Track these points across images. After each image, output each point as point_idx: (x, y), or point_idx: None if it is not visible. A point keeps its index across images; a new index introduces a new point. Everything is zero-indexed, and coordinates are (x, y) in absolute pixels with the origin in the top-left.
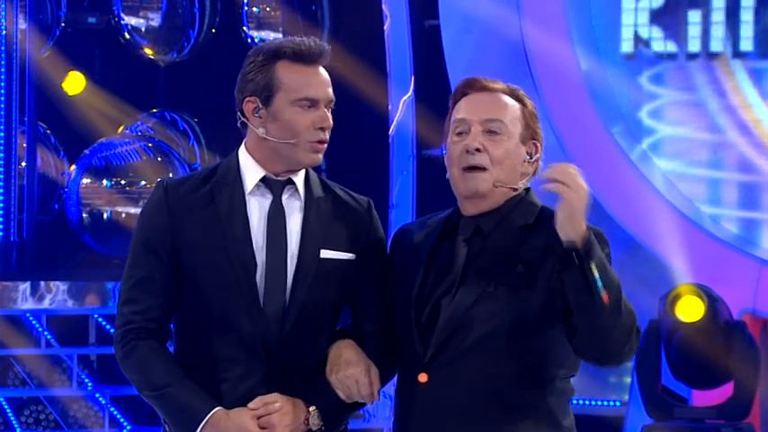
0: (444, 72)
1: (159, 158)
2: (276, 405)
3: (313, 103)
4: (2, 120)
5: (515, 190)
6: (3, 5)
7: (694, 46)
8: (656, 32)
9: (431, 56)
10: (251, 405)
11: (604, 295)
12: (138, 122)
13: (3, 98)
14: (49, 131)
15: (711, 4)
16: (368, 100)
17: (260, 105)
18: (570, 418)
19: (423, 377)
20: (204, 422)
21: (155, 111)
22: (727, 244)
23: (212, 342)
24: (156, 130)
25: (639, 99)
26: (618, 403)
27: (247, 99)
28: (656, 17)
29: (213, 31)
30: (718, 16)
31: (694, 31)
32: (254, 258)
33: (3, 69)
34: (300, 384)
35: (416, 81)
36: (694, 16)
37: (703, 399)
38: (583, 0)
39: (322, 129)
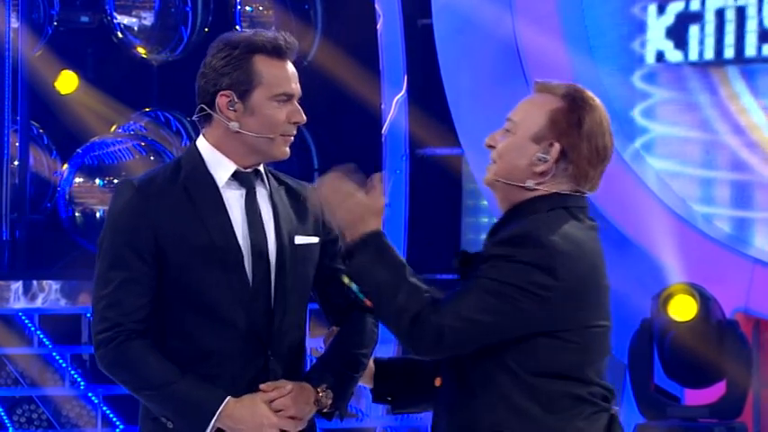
0: (437, 71)
1: (152, 157)
2: (288, 387)
3: (288, 98)
4: None
5: (528, 189)
6: None
7: (691, 53)
8: (650, 37)
9: (424, 55)
10: (263, 387)
11: (367, 302)
12: (131, 122)
13: None
14: (41, 130)
15: (705, 11)
16: (361, 99)
17: (235, 99)
18: (560, 418)
19: (438, 381)
20: (218, 414)
21: (147, 110)
22: (719, 243)
23: (206, 337)
24: (148, 130)
25: (632, 98)
26: None
27: (222, 93)
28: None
29: (206, 30)
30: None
31: (689, 37)
32: (239, 248)
33: None
34: (292, 369)
35: (409, 80)
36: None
37: (696, 398)
38: (576, 0)
39: (296, 123)
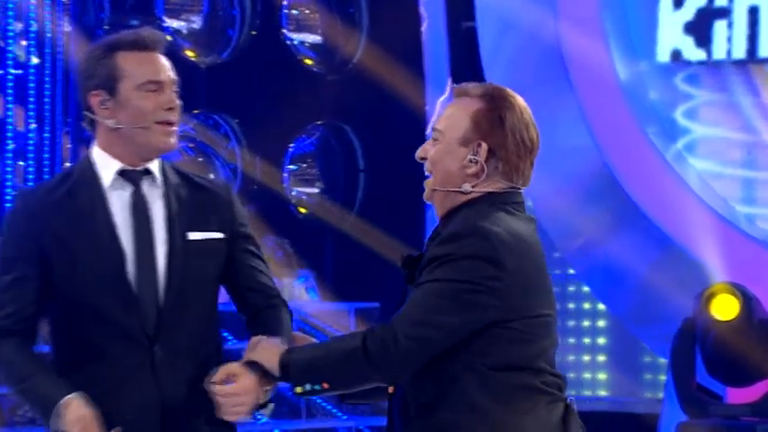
0: (481, 73)
1: (200, 159)
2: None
3: (158, 87)
4: (46, 121)
5: (464, 193)
6: (47, 8)
7: (723, 52)
8: (690, 41)
9: (467, 57)
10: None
11: (324, 385)
12: (180, 123)
13: (47, 99)
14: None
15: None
16: (405, 101)
17: (106, 97)
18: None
19: (390, 388)
20: (61, 406)
21: (196, 112)
22: (761, 243)
23: (93, 339)
24: (197, 131)
25: (674, 99)
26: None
27: (92, 93)
28: (690, 25)
29: (253, 33)
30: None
31: (723, 37)
32: (121, 249)
33: (47, 71)
34: (189, 369)
35: (453, 82)
36: (722, 25)
37: (738, 396)
38: (618, 2)
39: (170, 110)
